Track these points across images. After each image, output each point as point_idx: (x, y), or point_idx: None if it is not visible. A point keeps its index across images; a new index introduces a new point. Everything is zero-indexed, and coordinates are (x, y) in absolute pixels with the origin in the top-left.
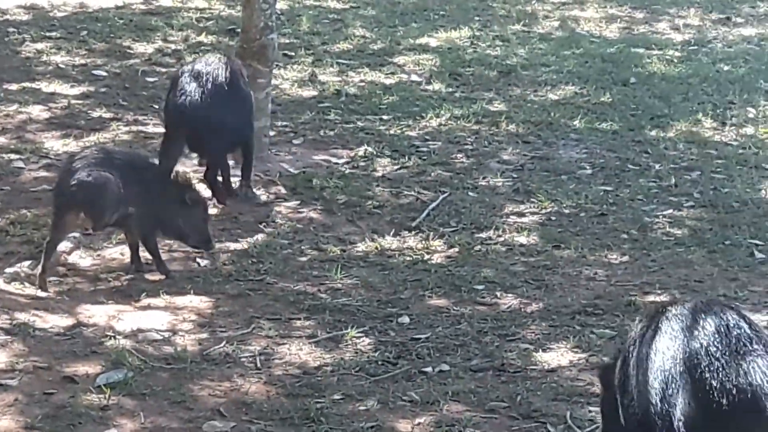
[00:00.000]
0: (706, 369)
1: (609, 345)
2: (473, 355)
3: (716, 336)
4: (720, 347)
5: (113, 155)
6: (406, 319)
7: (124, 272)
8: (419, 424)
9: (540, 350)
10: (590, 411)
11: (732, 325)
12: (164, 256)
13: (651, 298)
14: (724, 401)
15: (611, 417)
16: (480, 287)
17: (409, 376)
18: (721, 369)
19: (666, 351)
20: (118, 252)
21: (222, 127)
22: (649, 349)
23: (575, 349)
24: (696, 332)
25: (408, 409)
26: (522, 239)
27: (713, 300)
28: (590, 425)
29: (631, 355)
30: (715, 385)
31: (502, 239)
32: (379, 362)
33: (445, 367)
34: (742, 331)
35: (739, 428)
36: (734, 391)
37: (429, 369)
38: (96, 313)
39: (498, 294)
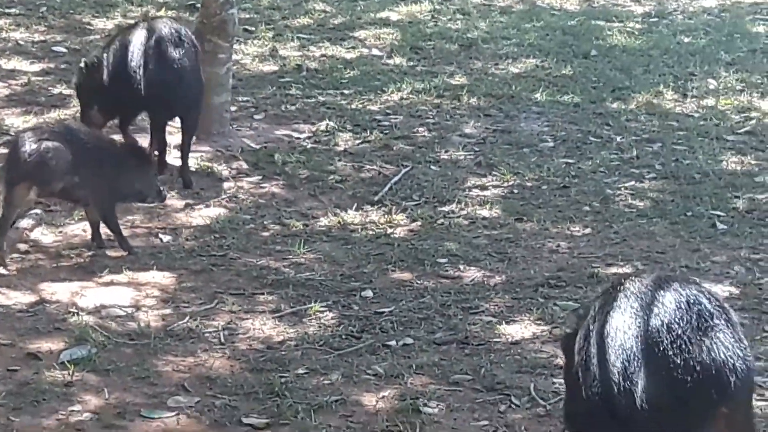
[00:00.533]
0: (669, 346)
1: (572, 317)
2: (437, 328)
3: (677, 312)
4: (681, 324)
5: (63, 128)
6: (369, 293)
7: (87, 249)
8: (383, 397)
9: (503, 323)
10: (554, 383)
11: (692, 300)
12: (126, 233)
13: (613, 269)
14: (688, 378)
15: (574, 392)
16: (443, 260)
17: (373, 350)
18: (683, 346)
19: (627, 329)
20: (80, 229)
21: (201, 91)
22: (609, 327)
23: (538, 322)
24: (656, 309)
25: (372, 382)
26: (484, 212)
27: (672, 275)
28: (554, 397)
29: (591, 333)
30: (678, 362)
31: (464, 213)
32: (343, 336)
33: (409, 341)
34: (703, 306)
35: (703, 404)
36: (698, 368)
37: (393, 342)
38: (59, 290)
39: (461, 267)
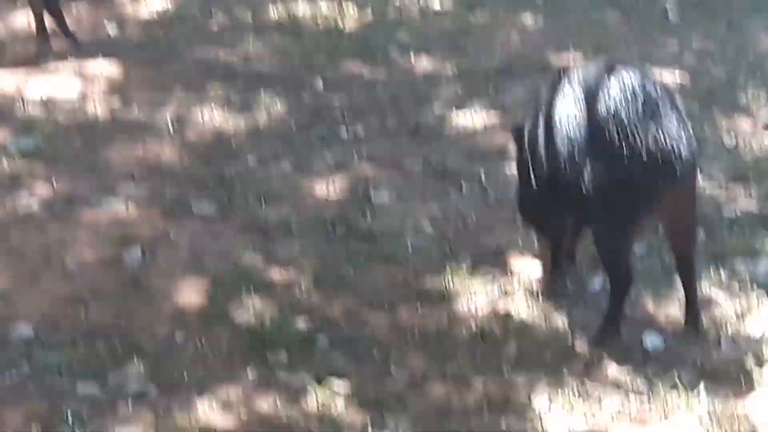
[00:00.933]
0: (614, 132)
1: (523, 106)
2: (388, 118)
3: (623, 98)
4: (627, 109)
5: None
6: (320, 85)
7: (31, 39)
8: (334, 184)
9: (455, 112)
10: (504, 170)
11: (638, 86)
12: (70, 24)
13: (565, 59)
14: (634, 163)
15: (524, 180)
16: (394, 52)
17: (323, 140)
18: (629, 131)
19: (572, 116)
20: (24, 17)
21: None
22: (555, 115)
23: (490, 111)
24: (601, 95)
25: (323, 171)
26: (436, 4)
27: (617, 61)
28: (504, 184)
29: (538, 121)
30: (623, 147)
31: (415, 4)
32: (294, 127)
33: (360, 130)
34: (648, 92)
35: (649, 189)
36: (643, 153)
37: (343, 132)
38: (4, 81)
39: (412, 58)
